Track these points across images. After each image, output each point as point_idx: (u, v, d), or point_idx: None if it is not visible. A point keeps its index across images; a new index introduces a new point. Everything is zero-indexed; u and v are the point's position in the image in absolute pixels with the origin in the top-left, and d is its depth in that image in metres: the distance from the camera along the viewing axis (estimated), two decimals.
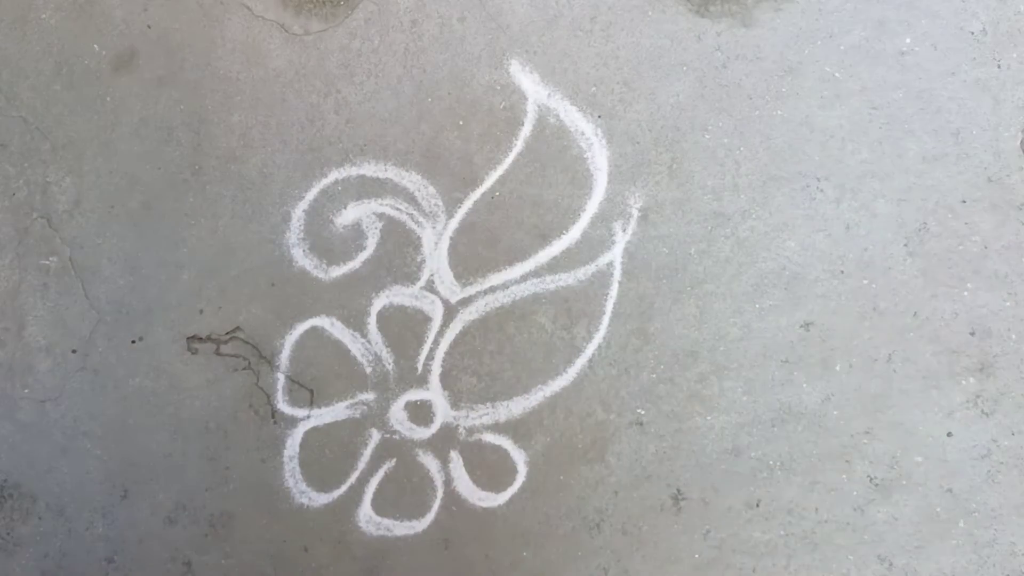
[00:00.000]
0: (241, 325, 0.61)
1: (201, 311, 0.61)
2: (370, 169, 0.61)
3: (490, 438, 0.63)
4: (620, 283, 0.61)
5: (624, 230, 0.61)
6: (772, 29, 0.59)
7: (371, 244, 0.61)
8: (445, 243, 0.61)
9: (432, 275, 0.61)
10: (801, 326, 0.60)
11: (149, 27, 0.60)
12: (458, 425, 0.63)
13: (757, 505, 0.62)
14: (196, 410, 0.62)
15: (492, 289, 0.61)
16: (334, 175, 0.61)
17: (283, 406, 0.63)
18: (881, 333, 0.60)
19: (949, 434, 0.61)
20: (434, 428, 0.63)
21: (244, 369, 0.62)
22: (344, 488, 0.63)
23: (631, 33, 0.59)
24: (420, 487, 0.63)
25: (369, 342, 0.62)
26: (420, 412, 0.62)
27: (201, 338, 0.62)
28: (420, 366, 0.62)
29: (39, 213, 0.61)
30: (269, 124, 0.59)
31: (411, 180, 0.61)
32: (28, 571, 0.65)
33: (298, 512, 0.63)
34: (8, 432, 0.63)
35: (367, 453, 0.63)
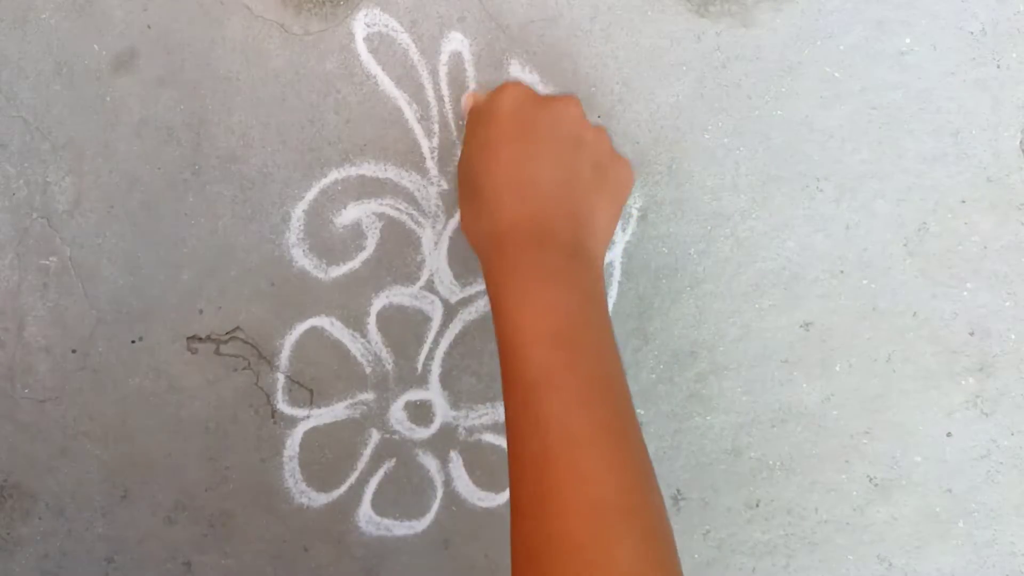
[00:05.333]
0: (241, 325, 0.61)
1: (201, 311, 0.61)
2: (370, 169, 0.61)
3: (490, 438, 0.63)
4: (619, 283, 0.61)
5: (624, 230, 0.61)
6: (772, 29, 0.59)
7: (371, 244, 0.61)
8: (445, 243, 0.61)
9: (432, 275, 0.61)
10: (801, 326, 0.60)
11: (149, 27, 0.60)
12: (458, 425, 0.63)
13: (757, 505, 0.62)
14: (196, 410, 0.62)
15: None
16: (334, 175, 0.61)
17: (283, 406, 0.63)
18: (881, 333, 0.60)
19: (949, 434, 0.61)
20: (434, 428, 0.62)
21: (244, 369, 0.62)
22: (344, 488, 0.63)
23: (630, 33, 0.59)
24: (420, 487, 0.63)
25: (369, 342, 0.62)
26: (420, 412, 0.62)
27: (201, 338, 0.62)
28: (420, 366, 0.62)
29: (39, 213, 0.61)
30: (269, 124, 0.59)
31: (411, 180, 0.61)
32: (28, 571, 0.65)
33: (298, 512, 0.63)
34: (8, 432, 0.63)
35: (367, 453, 0.63)
